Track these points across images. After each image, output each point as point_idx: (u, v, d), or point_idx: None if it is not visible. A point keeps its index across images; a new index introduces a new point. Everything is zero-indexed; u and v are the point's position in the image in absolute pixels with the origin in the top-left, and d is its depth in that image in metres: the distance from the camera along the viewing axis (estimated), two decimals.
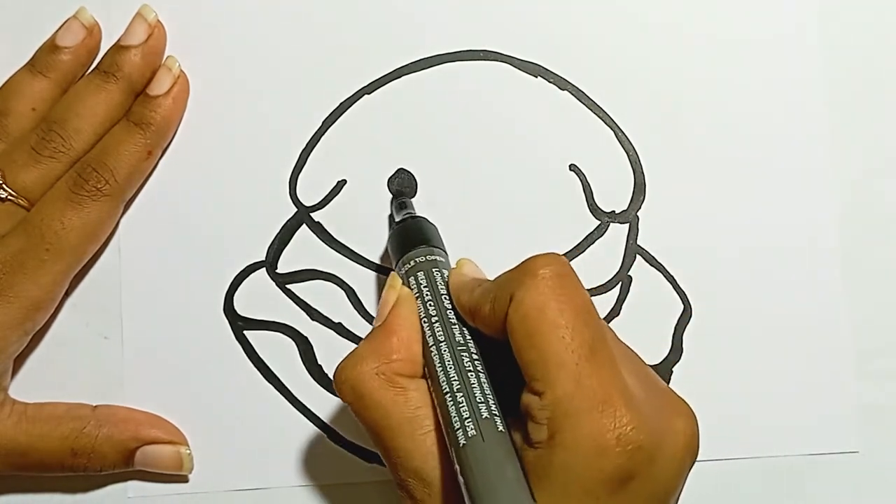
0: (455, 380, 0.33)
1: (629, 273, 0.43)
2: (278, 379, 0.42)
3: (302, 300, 0.43)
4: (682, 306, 0.43)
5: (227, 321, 0.43)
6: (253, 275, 0.43)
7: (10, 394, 0.41)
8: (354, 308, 0.43)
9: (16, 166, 0.40)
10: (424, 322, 0.36)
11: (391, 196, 0.43)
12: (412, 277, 0.37)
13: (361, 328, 0.43)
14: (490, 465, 0.31)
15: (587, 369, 0.30)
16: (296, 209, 0.43)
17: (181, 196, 0.43)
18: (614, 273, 0.43)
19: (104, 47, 0.43)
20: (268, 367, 0.43)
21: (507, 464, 0.31)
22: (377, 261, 0.43)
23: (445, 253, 0.39)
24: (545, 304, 0.31)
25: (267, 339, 0.43)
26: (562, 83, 0.43)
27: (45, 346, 0.42)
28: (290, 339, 0.43)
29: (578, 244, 0.43)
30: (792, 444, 0.42)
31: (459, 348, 0.34)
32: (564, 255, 0.42)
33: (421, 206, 0.43)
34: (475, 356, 0.34)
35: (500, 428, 0.32)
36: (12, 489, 0.42)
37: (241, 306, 0.43)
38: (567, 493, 0.30)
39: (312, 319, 0.43)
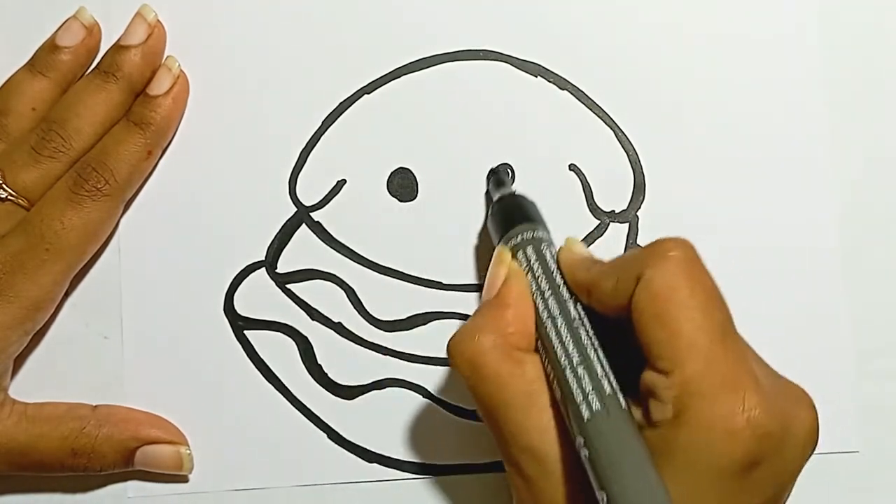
0: (575, 354, 0.33)
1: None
2: (278, 379, 0.42)
3: (302, 300, 0.43)
4: None
5: (227, 321, 0.43)
6: (253, 275, 0.43)
7: (10, 394, 0.41)
8: (354, 308, 0.43)
9: (16, 166, 0.40)
10: (537, 296, 0.36)
11: (488, 173, 0.43)
12: (520, 252, 0.37)
13: (361, 328, 0.43)
14: (617, 439, 0.30)
15: (718, 351, 0.31)
16: (295, 209, 0.43)
17: (181, 196, 0.43)
18: None
19: (104, 47, 0.43)
20: (268, 367, 0.43)
21: (633, 439, 0.31)
22: (377, 261, 0.43)
23: (548, 230, 0.39)
24: (676, 285, 0.31)
25: (267, 339, 0.43)
26: (562, 83, 0.44)
27: (45, 346, 0.42)
28: (290, 339, 0.43)
29: None
30: None
31: (575, 323, 0.34)
32: None
33: (423, 205, 0.43)
34: (590, 332, 0.34)
35: (623, 404, 0.32)
36: (12, 489, 0.42)
37: (241, 306, 0.43)
38: (691, 474, 0.30)
39: (312, 319, 0.43)
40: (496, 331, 0.34)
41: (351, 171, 0.43)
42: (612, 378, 0.33)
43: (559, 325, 0.34)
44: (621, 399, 0.32)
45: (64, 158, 0.41)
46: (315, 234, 0.43)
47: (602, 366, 0.33)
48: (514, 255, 0.37)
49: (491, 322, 0.35)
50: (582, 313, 0.35)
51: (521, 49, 0.44)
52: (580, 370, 0.32)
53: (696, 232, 0.42)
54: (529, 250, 0.37)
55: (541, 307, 0.35)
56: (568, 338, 0.34)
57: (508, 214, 0.39)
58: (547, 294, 0.35)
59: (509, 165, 0.43)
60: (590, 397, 0.32)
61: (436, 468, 0.42)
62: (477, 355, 0.34)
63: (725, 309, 0.32)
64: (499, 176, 0.42)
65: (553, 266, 0.36)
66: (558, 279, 0.36)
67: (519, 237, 0.38)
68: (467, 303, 0.43)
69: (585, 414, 0.31)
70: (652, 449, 0.30)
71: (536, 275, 0.36)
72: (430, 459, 0.42)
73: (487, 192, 0.42)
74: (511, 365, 0.34)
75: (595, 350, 0.33)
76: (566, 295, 0.35)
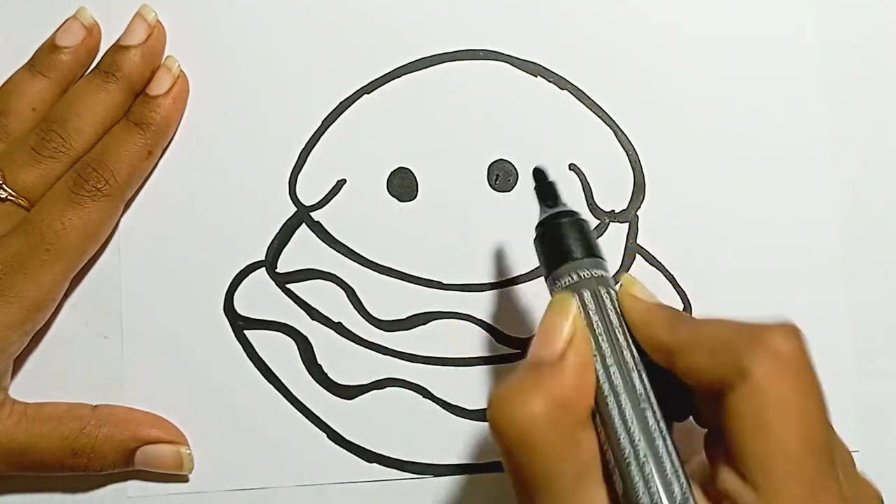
0: (641, 444, 0.29)
1: (629, 272, 0.43)
2: (278, 379, 0.42)
3: (302, 300, 0.43)
4: (681, 305, 0.42)
5: (227, 321, 0.43)
6: (253, 274, 0.43)
7: (10, 394, 0.41)
8: (354, 308, 0.43)
9: (16, 166, 0.40)
10: (597, 360, 0.31)
11: (535, 181, 0.36)
12: (576, 296, 0.32)
13: (361, 328, 0.43)
14: None
15: (817, 475, 0.28)
16: (295, 209, 0.43)
17: (181, 196, 0.43)
18: (614, 272, 0.43)
19: (104, 47, 0.43)
20: (268, 367, 0.43)
21: None
22: (377, 261, 0.43)
23: (606, 264, 0.34)
24: (789, 400, 0.28)
25: (267, 339, 0.43)
26: (561, 83, 0.44)
27: (45, 346, 0.42)
28: (290, 339, 0.43)
29: None
30: None
31: (642, 401, 0.30)
32: None
33: (423, 205, 0.43)
34: (656, 409, 0.30)
35: None
36: (12, 489, 0.42)
37: (241, 306, 0.43)
38: None
39: (312, 319, 0.43)
40: (553, 399, 0.30)
41: (351, 171, 0.43)
42: (682, 475, 0.29)
43: (622, 403, 0.30)
44: (691, 502, 0.29)
45: (64, 158, 0.41)
46: (315, 233, 0.43)
47: (671, 460, 0.29)
48: (590, 297, 0.32)
49: (548, 387, 0.30)
50: (647, 384, 0.31)
51: (521, 49, 0.44)
52: (647, 468, 0.29)
53: (696, 232, 0.43)
54: (587, 295, 0.32)
55: (601, 376, 0.31)
56: (633, 422, 0.30)
57: (563, 242, 0.34)
58: (608, 358, 0.31)
59: (510, 163, 0.43)
60: (656, 498, 0.29)
61: (436, 468, 0.42)
62: (529, 424, 0.29)
63: (829, 424, 0.30)
64: (553, 188, 0.36)
65: (615, 319, 0.32)
66: (621, 337, 0.31)
67: (575, 275, 0.32)
68: (467, 303, 0.43)
69: None
70: None
71: (596, 330, 0.31)
72: (430, 459, 0.42)
73: (539, 197, 0.36)
74: (566, 442, 0.29)
75: (663, 437, 0.30)
76: (629, 358, 0.31)
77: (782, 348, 0.29)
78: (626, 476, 0.29)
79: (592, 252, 0.33)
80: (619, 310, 0.32)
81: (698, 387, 0.30)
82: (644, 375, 0.31)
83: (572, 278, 0.33)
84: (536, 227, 0.35)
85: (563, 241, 0.33)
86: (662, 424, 0.30)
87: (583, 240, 0.34)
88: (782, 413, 0.28)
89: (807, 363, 0.30)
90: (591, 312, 0.32)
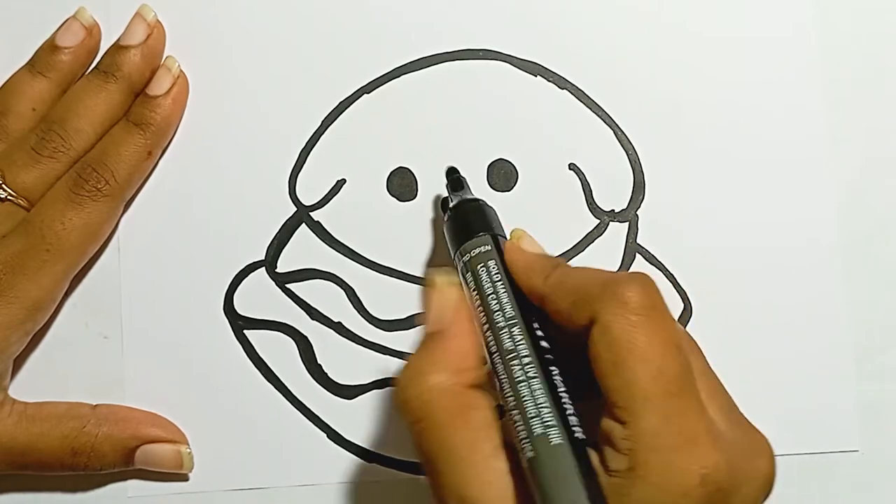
0: (522, 393, 0.31)
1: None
2: (278, 379, 0.43)
3: (302, 299, 0.43)
4: (681, 305, 0.42)
5: (227, 321, 0.43)
6: (252, 274, 0.43)
7: (10, 394, 0.41)
8: (354, 308, 0.43)
9: (16, 166, 0.40)
10: (499, 317, 0.33)
11: (446, 174, 0.41)
12: (481, 266, 0.35)
13: (361, 328, 0.43)
14: (569, 478, 0.30)
15: (674, 405, 0.30)
16: (295, 208, 0.43)
17: (181, 196, 0.43)
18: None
19: (104, 47, 0.43)
20: (268, 367, 0.43)
21: (589, 478, 0.30)
22: (377, 260, 0.43)
23: (506, 238, 0.37)
24: (634, 336, 0.30)
25: (267, 339, 0.43)
26: (561, 82, 0.44)
27: (45, 346, 0.42)
28: (290, 339, 0.43)
29: (578, 243, 0.43)
30: (792, 444, 0.42)
31: (536, 347, 0.32)
32: (564, 253, 0.43)
33: (423, 205, 0.43)
34: (551, 359, 0.32)
35: (580, 436, 0.31)
36: (12, 489, 0.42)
37: (241, 306, 0.43)
38: None
39: (312, 319, 0.43)
40: (446, 368, 0.32)
41: (351, 170, 0.43)
42: (574, 421, 0.31)
43: (523, 354, 0.32)
44: (578, 433, 0.31)
45: (64, 158, 0.41)
46: (315, 233, 0.43)
47: (559, 402, 0.31)
48: (473, 269, 0.35)
49: (440, 359, 0.33)
50: (539, 334, 0.33)
51: (521, 49, 0.44)
52: (544, 410, 0.31)
53: (696, 231, 0.43)
54: (491, 264, 0.35)
55: (485, 337, 0.33)
56: (531, 366, 0.32)
57: (465, 224, 0.37)
58: (509, 314, 0.33)
59: (510, 162, 0.43)
60: (550, 431, 0.31)
61: None
62: (431, 399, 0.32)
63: (684, 358, 0.31)
64: (456, 176, 0.40)
65: (501, 286, 0.34)
66: (504, 301, 0.34)
67: (476, 250, 0.36)
68: None
69: (541, 452, 0.30)
70: (606, 496, 0.30)
71: (499, 292, 0.34)
72: None
73: (446, 198, 0.41)
74: (464, 409, 0.32)
75: (554, 383, 0.32)
76: (523, 310, 0.33)
77: (630, 296, 0.31)
78: (521, 411, 0.31)
79: (492, 230, 0.37)
80: (505, 274, 0.35)
81: (566, 327, 0.32)
82: (536, 324, 0.33)
83: (472, 253, 0.36)
84: (446, 214, 0.39)
85: (464, 223, 0.37)
86: (557, 374, 0.32)
87: (483, 219, 0.37)
88: (631, 351, 0.30)
89: (655, 307, 0.31)
90: (493, 275, 0.35)
